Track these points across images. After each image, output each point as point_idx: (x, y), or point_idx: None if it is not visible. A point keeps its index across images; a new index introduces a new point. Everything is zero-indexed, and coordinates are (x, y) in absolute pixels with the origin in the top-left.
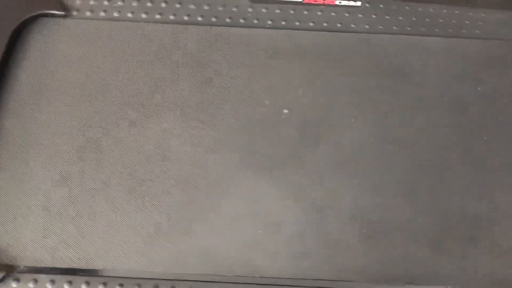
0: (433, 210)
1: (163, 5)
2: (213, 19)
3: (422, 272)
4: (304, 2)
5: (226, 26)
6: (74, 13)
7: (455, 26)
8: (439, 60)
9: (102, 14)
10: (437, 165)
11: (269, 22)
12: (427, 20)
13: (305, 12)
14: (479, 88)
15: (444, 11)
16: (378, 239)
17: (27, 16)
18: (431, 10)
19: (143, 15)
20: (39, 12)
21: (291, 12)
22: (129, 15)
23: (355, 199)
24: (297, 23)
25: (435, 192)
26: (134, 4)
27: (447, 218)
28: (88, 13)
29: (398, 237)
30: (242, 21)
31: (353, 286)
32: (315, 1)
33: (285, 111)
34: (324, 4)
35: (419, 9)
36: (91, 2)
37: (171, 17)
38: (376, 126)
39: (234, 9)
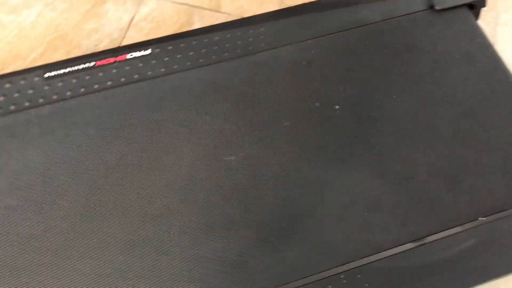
0: None
1: None
2: (12, 107)
3: None
4: (96, 65)
5: (26, 110)
6: None
7: (241, 46)
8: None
9: None
10: None
11: (69, 93)
12: (215, 48)
13: (100, 74)
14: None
15: (228, 36)
16: None
17: None
18: (216, 38)
19: None
20: None
21: (87, 78)
22: None
23: None
24: (96, 86)
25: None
26: None
27: None
28: None
29: None
30: (41, 100)
31: None
32: (107, 61)
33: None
34: (116, 61)
35: (205, 40)
36: None
37: None
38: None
39: (30, 91)
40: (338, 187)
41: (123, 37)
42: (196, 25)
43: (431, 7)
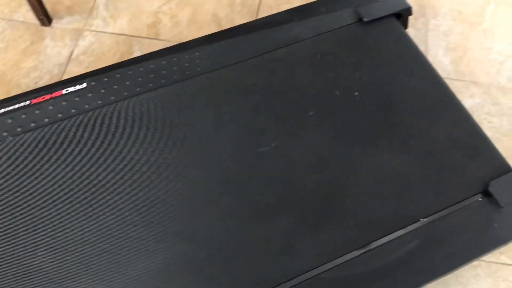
0: None
1: None
2: None
3: None
4: (32, 103)
5: None
6: None
7: (178, 72)
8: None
9: None
10: None
11: (4, 134)
12: (151, 76)
13: (37, 112)
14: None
15: (164, 62)
16: None
17: None
18: (152, 66)
19: None
20: None
21: (23, 117)
22: None
23: None
24: (32, 124)
25: None
26: None
27: None
28: None
29: None
30: None
31: None
32: (43, 98)
33: None
34: (52, 98)
35: (141, 69)
36: None
37: None
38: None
39: None
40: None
41: (63, 72)
42: (136, 54)
43: (360, 19)
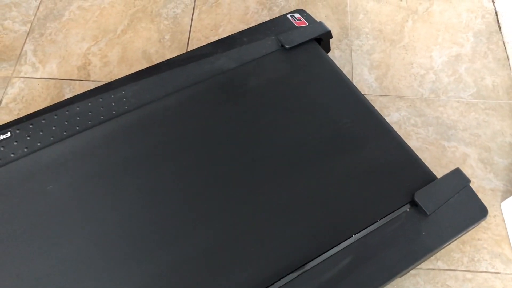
0: None
1: None
2: None
3: None
4: None
5: None
6: None
7: (105, 112)
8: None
9: None
10: None
11: None
12: (78, 118)
13: None
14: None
15: (89, 104)
16: None
17: None
18: (78, 108)
19: None
20: None
21: None
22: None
23: None
24: None
25: None
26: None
27: None
28: None
29: None
30: None
31: None
32: None
33: None
34: None
35: (66, 112)
36: None
37: None
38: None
39: None
40: None
41: None
42: (67, 97)
43: (282, 46)
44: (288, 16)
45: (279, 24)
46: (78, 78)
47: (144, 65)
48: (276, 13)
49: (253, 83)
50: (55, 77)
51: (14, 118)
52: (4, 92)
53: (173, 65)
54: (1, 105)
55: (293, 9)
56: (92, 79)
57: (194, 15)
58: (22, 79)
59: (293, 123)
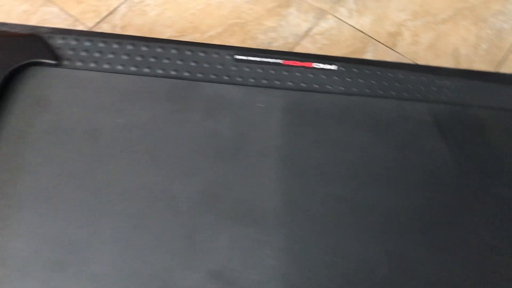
0: None
1: (152, 60)
2: (199, 75)
3: None
4: (284, 64)
5: (211, 82)
6: (65, 62)
7: (423, 91)
8: (411, 122)
9: (92, 65)
10: None
11: (252, 80)
12: (397, 84)
13: (285, 73)
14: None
15: (412, 77)
16: None
17: (19, 64)
18: (401, 76)
19: (132, 68)
20: (31, 60)
21: (272, 72)
22: (119, 67)
23: None
24: (277, 82)
25: None
26: (124, 57)
27: None
28: (79, 63)
29: None
30: (226, 78)
31: None
32: (295, 63)
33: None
34: (302, 66)
35: (390, 74)
36: (82, 53)
37: (159, 71)
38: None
39: (219, 67)
40: None
41: (297, 44)
42: (367, 55)
43: None
44: None
45: None
46: (385, 43)
47: (450, 61)
48: None
49: None
50: (364, 31)
51: (316, 49)
52: (316, 23)
53: (490, 79)
54: (310, 33)
55: None
56: (396, 50)
57: None
58: (336, 19)
59: None
